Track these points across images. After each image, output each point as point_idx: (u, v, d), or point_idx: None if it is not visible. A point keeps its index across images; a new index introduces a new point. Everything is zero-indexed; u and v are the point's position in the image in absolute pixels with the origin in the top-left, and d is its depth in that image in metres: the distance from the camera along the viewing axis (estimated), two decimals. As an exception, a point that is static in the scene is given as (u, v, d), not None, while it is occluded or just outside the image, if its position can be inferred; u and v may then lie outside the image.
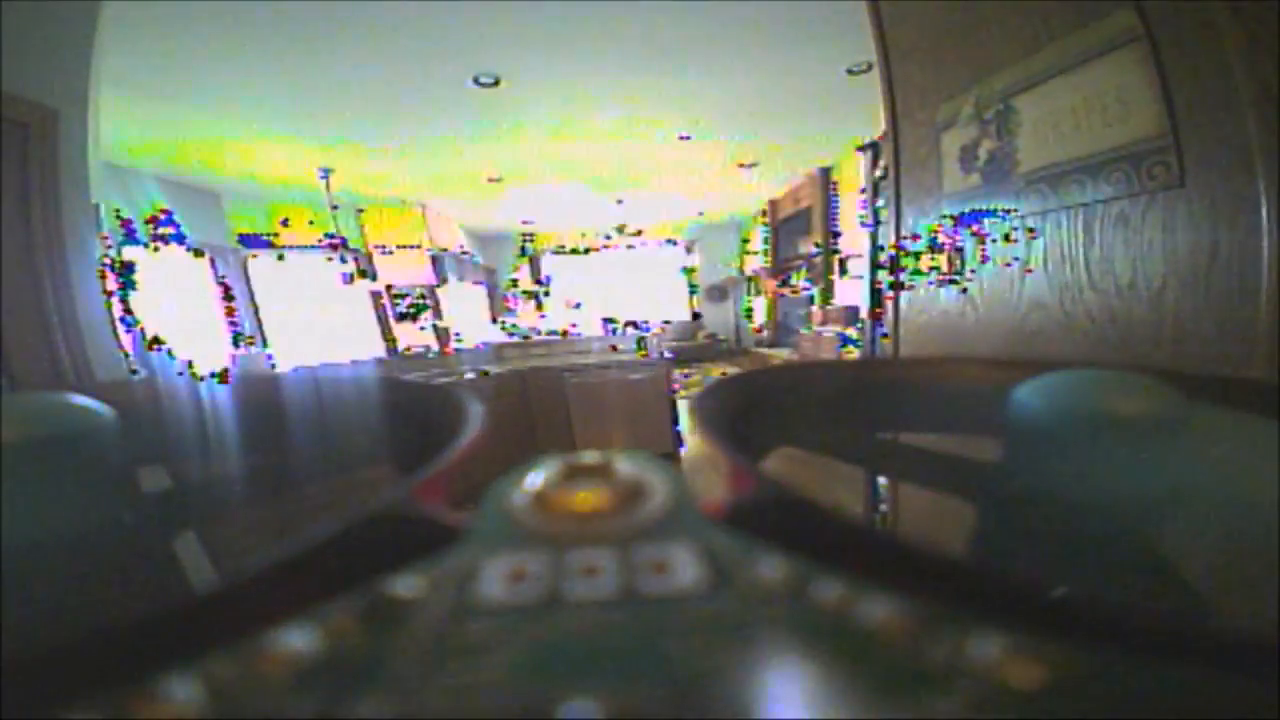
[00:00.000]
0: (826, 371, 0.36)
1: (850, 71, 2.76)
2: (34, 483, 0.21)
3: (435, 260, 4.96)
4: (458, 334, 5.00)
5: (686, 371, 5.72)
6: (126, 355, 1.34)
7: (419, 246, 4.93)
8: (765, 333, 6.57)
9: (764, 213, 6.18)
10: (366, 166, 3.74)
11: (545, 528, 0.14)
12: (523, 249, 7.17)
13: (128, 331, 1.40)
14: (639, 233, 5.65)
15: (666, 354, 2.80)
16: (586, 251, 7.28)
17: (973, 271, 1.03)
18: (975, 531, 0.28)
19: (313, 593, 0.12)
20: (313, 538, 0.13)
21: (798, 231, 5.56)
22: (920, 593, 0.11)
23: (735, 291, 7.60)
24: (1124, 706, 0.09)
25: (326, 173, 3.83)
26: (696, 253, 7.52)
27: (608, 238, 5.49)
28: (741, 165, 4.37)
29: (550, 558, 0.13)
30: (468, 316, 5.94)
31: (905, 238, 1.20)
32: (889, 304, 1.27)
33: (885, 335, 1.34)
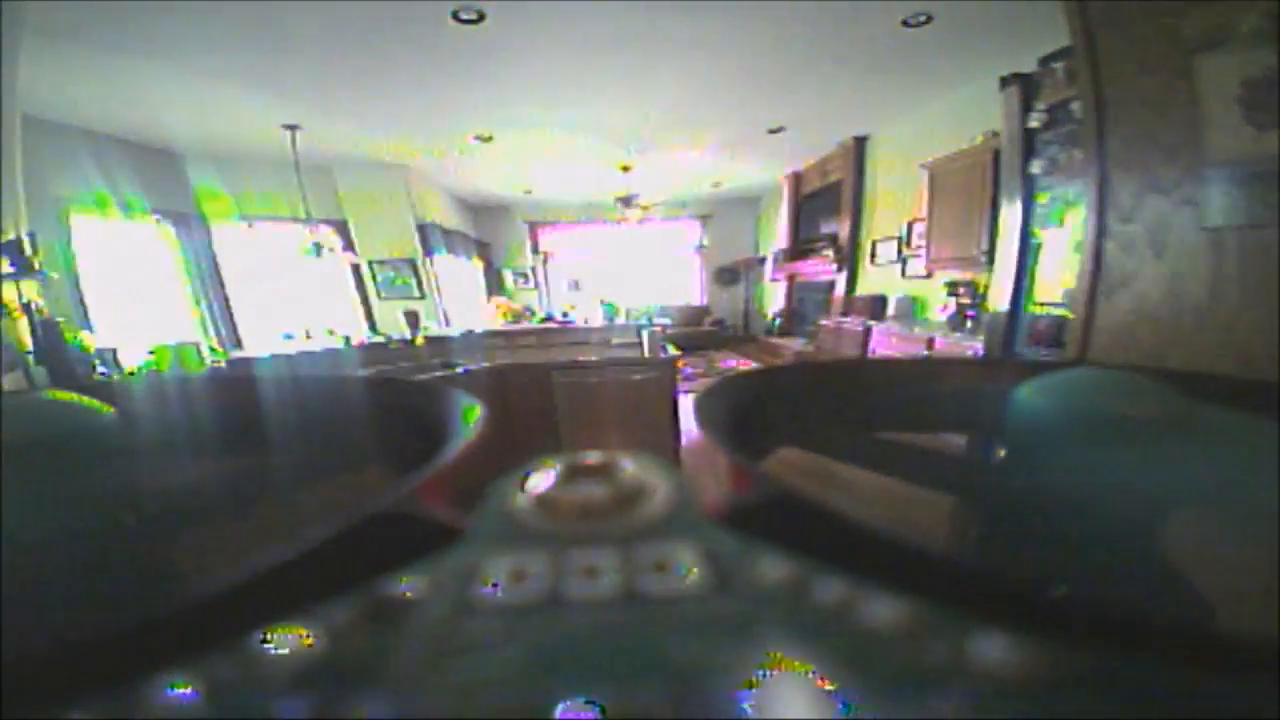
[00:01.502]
0: (827, 372, 0.37)
1: (907, 24, 2.30)
2: (34, 483, 0.22)
3: (421, 231, 4.56)
4: (443, 317, 4.64)
5: (688, 366, 5.33)
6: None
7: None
8: (779, 320, 6.14)
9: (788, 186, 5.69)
10: (336, 122, 3.32)
11: (546, 528, 0.15)
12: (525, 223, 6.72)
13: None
14: (646, 207, 5.17)
15: (668, 349, 2.41)
16: (587, 220, 6.81)
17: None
18: (975, 531, 0.29)
19: (313, 593, 0.12)
20: (313, 538, 0.13)
21: (823, 209, 5.10)
22: (920, 593, 0.11)
23: (749, 274, 7.15)
24: (1124, 706, 0.09)
25: (293, 129, 3.41)
26: (709, 229, 7.03)
27: (623, 209, 5.01)
28: (770, 131, 3.90)
29: (550, 558, 0.13)
30: (462, 294, 5.55)
31: (1122, 221, 0.75)
32: (1082, 307, 0.82)
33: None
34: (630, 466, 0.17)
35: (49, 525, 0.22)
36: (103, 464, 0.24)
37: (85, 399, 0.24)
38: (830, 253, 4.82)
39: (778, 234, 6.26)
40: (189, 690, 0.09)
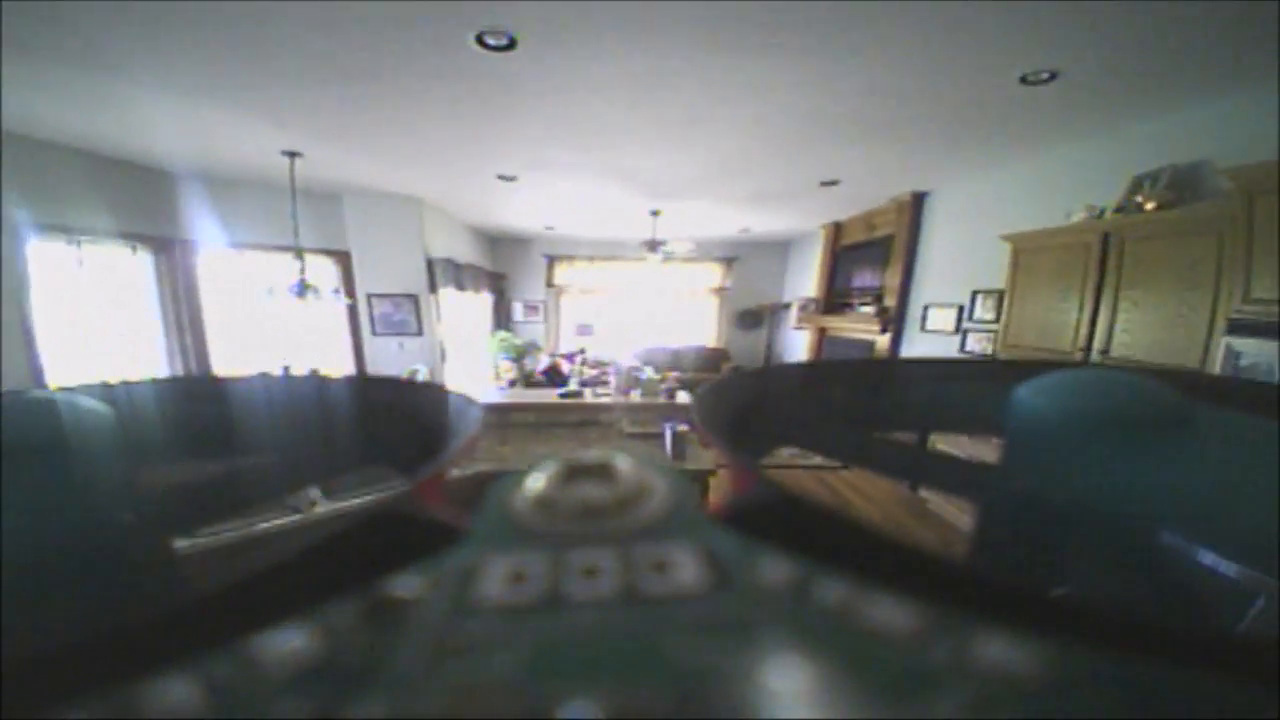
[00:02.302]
0: (827, 372, 0.36)
1: (1025, 80, 1.93)
2: (34, 483, 0.21)
3: (429, 265, 4.20)
4: (439, 353, 4.25)
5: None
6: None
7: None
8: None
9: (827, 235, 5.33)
10: (344, 151, 2.97)
11: (546, 528, 0.14)
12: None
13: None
14: (673, 255, 4.79)
15: (691, 451, 1.96)
16: (608, 257, 6.46)
17: None
18: (975, 531, 0.30)
19: (313, 593, 0.12)
20: (313, 538, 0.13)
21: (864, 261, 4.73)
22: (920, 593, 0.11)
23: (773, 319, 6.75)
24: (1124, 706, 0.09)
25: (292, 156, 3.07)
26: (733, 271, 6.66)
27: (649, 255, 4.62)
28: (824, 184, 3.54)
29: (550, 558, 0.13)
30: (466, 328, 5.17)
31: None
32: None
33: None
34: (630, 466, 0.17)
35: (49, 525, 0.21)
36: (103, 464, 0.24)
37: (85, 399, 0.24)
38: (871, 309, 4.41)
39: (807, 282, 5.89)
40: (189, 690, 0.09)
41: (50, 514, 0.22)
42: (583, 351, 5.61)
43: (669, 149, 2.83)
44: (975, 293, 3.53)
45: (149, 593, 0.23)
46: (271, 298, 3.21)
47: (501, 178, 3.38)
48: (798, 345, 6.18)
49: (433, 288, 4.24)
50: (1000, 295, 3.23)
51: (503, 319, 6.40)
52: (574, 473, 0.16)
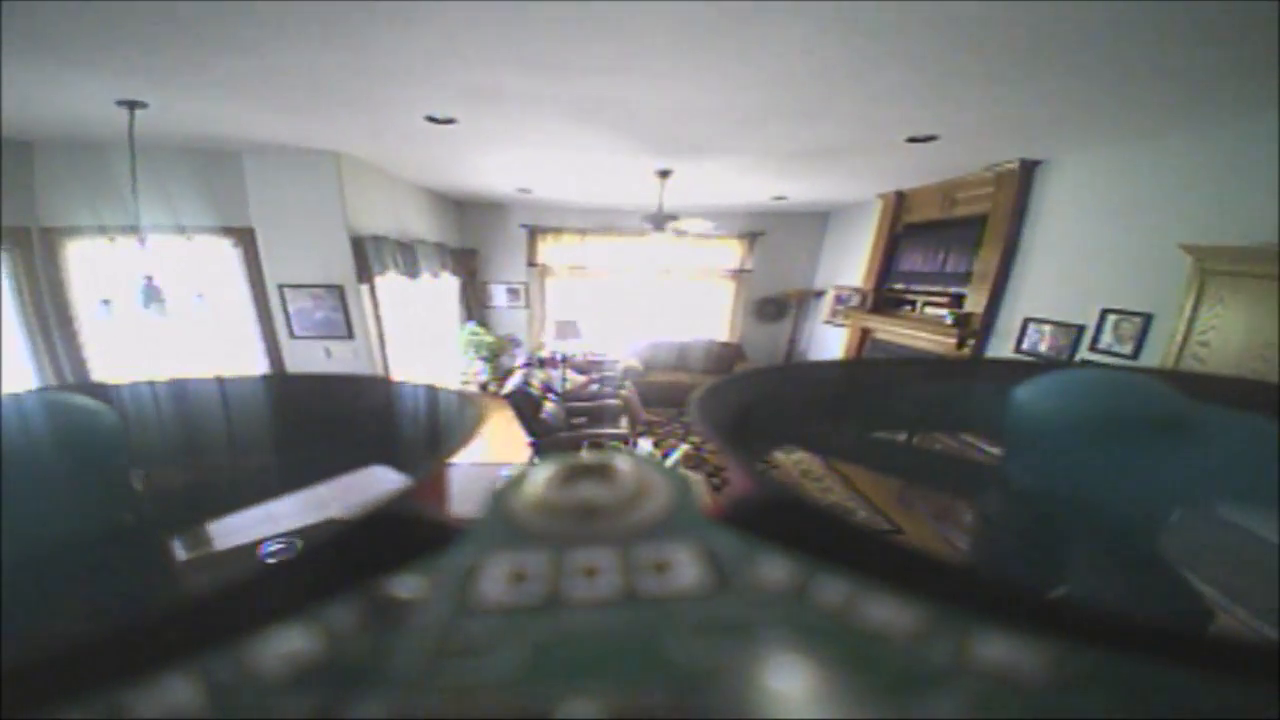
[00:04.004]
0: (827, 372, 0.37)
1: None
2: (34, 483, 0.22)
3: (358, 245, 3.23)
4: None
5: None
6: None
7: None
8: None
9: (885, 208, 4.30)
10: (215, 98, 1.98)
11: (546, 528, 0.15)
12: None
13: None
14: (684, 233, 3.75)
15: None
16: (600, 230, 5.40)
17: None
18: (975, 531, 0.32)
19: (313, 593, 0.12)
20: (313, 538, 0.14)
21: (937, 247, 3.75)
22: (920, 593, 0.11)
23: (800, 310, 5.77)
24: (1124, 706, 0.09)
25: (131, 107, 2.09)
26: (756, 249, 5.61)
27: (652, 231, 3.59)
28: (912, 140, 2.53)
29: (550, 558, 0.13)
30: (419, 326, 4.22)
31: None
32: None
33: None
34: (630, 466, 0.17)
35: (49, 526, 0.22)
36: (103, 464, 0.24)
37: (85, 399, 0.24)
38: (945, 313, 3.47)
39: (848, 268, 4.89)
40: (189, 690, 0.09)
41: (50, 514, 0.22)
42: (564, 360, 4.64)
43: (683, 79, 1.84)
44: (1106, 312, 2.60)
45: (149, 593, 0.23)
46: (110, 313, 2.28)
47: (432, 120, 2.35)
48: (830, 344, 5.24)
49: (364, 275, 3.27)
50: (1146, 322, 2.34)
51: (475, 307, 5.40)
52: (574, 473, 0.17)
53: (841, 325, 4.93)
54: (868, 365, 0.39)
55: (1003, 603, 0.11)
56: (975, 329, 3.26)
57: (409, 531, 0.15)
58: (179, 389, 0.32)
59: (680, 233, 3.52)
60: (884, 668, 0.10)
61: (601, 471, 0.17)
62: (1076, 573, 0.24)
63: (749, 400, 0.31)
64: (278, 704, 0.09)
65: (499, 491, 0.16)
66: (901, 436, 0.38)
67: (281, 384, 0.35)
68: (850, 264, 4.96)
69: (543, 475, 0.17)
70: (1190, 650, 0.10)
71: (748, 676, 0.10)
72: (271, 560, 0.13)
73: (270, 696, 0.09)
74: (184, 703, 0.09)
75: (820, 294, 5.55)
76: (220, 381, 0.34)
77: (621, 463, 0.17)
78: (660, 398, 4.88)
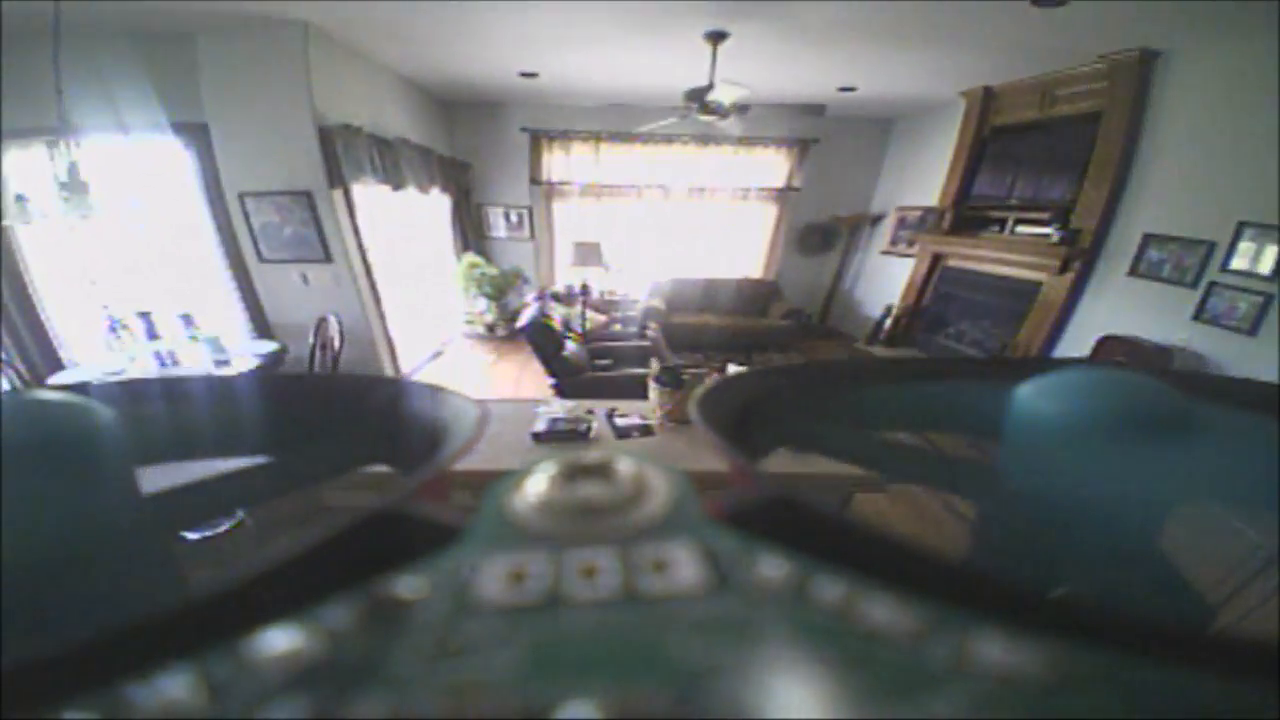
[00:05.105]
0: (828, 371, 0.38)
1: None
2: (33, 483, 0.23)
3: (326, 138, 2.76)
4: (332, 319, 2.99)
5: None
6: None
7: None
8: (893, 320, 4.22)
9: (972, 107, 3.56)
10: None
11: (545, 528, 0.15)
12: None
13: None
14: (733, 107, 2.97)
15: None
16: (619, 138, 4.69)
17: None
18: (975, 531, 0.32)
19: (313, 593, 0.12)
20: (313, 538, 0.14)
21: (1036, 154, 3.10)
22: (920, 593, 0.12)
23: (853, 239, 5.11)
24: (1124, 706, 0.09)
25: None
26: (806, 162, 4.87)
27: (695, 112, 2.87)
28: (1036, 2, 1.89)
29: (550, 558, 0.14)
30: (406, 252, 3.77)
31: None
32: None
33: None
34: (630, 466, 0.17)
35: (48, 526, 0.23)
36: (103, 464, 0.25)
37: (85, 399, 0.25)
38: (1049, 230, 2.85)
39: (915, 187, 4.18)
40: (189, 690, 0.10)
41: (50, 514, 0.23)
42: (584, 293, 4.11)
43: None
44: (1242, 225, 2.29)
45: (149, 593, 0.24)
46: (25, 213, 1.92)
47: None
48: (887, 279, 4.69)
49: (335, 179, 2.83)
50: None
51: (472, 235, 4.87)
52: (574, 472, 0.17)
53: (905, 255, 4.31)
54: (870, 364, 0.36)
55: (1003, 603, 0.11)
56: (1084, 248, 2.65)
57: (409, 531, 0.16)
58: (179, 387, 0.33)
59: (716, 110, 2.84)
60: (884, 668, 0.10)
61: (601, 471, 0.17)
62: (1076, 573, 0.25)
63: (749, 400, 0.32)
64: (278, 704, 0.10)
65: (499, 491, 0.17)
66: (904, 437, 0.40)
67: (287, 384, 0.37)
68: (918, 181, 4.38)
69: (543, 475, 0.17)
70: (1190, 650, 0.10)
71: (747, 676, 0.10)
72: (271, 560, 0.12)
73: (270, 696, 0.10)
74: (184, 702, 0.10)
75: (878, 219, 4.94)
76: (223, 381, 0.37)
77: (622, 463, 0.18)
78: (684, 341, 4.45)
